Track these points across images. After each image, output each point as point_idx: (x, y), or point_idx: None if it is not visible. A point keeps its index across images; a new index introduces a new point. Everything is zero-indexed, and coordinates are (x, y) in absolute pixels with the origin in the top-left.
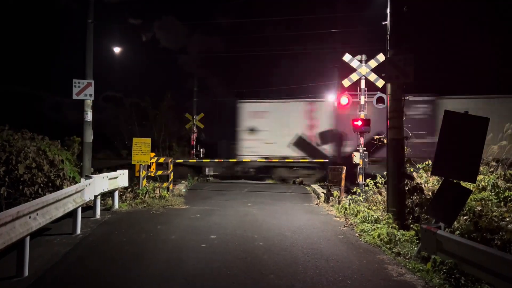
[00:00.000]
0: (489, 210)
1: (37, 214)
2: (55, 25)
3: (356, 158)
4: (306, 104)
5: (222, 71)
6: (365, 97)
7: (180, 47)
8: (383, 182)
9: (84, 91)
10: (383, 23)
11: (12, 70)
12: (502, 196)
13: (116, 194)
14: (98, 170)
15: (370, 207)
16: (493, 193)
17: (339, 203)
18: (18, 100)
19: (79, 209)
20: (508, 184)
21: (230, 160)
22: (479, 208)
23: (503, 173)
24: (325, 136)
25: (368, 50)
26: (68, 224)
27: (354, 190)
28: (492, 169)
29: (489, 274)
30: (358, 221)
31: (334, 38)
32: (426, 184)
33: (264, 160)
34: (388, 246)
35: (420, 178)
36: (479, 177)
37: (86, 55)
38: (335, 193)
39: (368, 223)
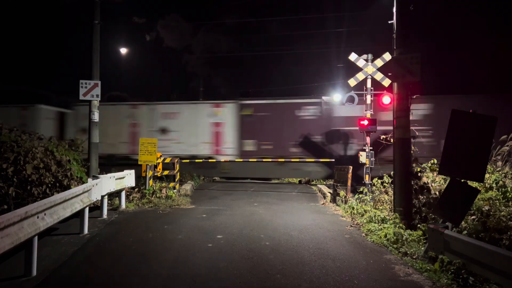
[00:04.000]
0: (497, 209)
1: (45, 214)
2: (59, 25)
3: (363, 158)
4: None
5: (227, 71)
6: (371, 96)
7: (186, 47)
8: (390, 181)
9: (91, 91)
10: (389, 22)
11: (15, 69)
12: (510, 196)
13: (123, 194)
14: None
15: (376, 207)
16: (500, 192)
17: (345, 202)
18: (23, 100)
19: (86, 209)
20: None
21: (236, 160)
22: (487, 207)
23: (510, 172)
24: None
25: (374, 50)
26: (76, 224)
27: (361, 189)
28: (498, 168)
29: (498, 274)
30: (365, 221)
31: (340, 38)
32: (433, 184)
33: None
34: (395, 246)
35: (427, 177)
36: (486, 176)
37: (92, 55)
38: (342, 193)
39: (375, 222)
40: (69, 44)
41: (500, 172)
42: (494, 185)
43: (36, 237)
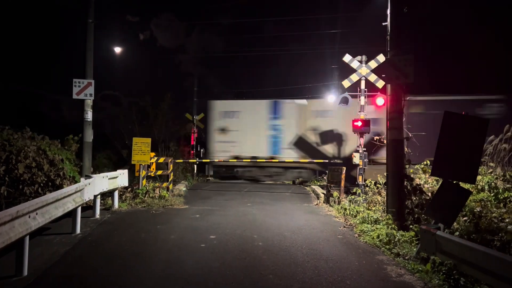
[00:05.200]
0: (488, 211)
1: (36, 214)
2: (54, 23)
3: (356, 159)
4: None
5: (222, 70)
6: (365, 98)
7: (180, 46)
8: (383, 182)
9: (84, 90)
10: (383, 23)
11: (10, 68)
12: (502, 197)
13: (116, 193)
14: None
15: (369, 208)
16: (491, 194)
17: (338, 203)
18: (17, 99)
19: (79, 209)
20: (508, 185)
21: (231, 160)
22: (478, 209)
23: (502, 173)
24: None
25: (368, 51)
26: (68, 224)
27: (354, 190)
28: (490, 170)
29: (489, 275)
30: (358, 222)
31: (335, 39)
32: (425, 185)
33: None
34: (387, 246)
35: (420, 178)
36: (478, 178)
37: (86, 54)
38: (335, 193)
39: (368, 223)
40: (64, 43)
41: (492, 174)
42: (486, 186)
43: (28, 237)
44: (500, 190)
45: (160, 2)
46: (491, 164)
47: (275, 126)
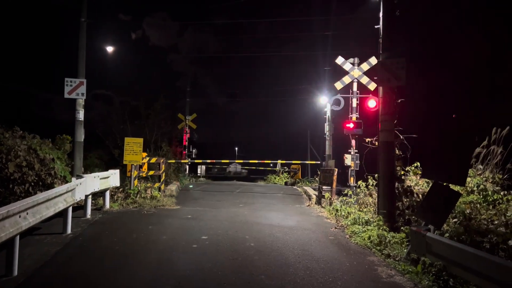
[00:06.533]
0: (478, 213)
1: (27, 213)
2: (46, 22)
3: (348, 160)
4: None
5: (215, 71)
6: (357, 100)
7: (174, 47)
8: (375, 184)
9: (76, 90)
10: (375, 26)
11: (2, 67)
12: (491, 199)
13: (107, 194)
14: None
15: (361, 209)
16: (481, 196)
17: (330, 204)
18: (8, 98)
19: (70, 209)
20: (497, 188)
21: (223, 161)
22: (468, 211)
23: (491, 176)
24: None
25: (361, 53)
26: (59, 224)
27: (346, 192)
28: (479, 172)
29: (477, 276)
30: (349, 223)
31: (327, 41)
32: (416, 187)
33: None
34: (378, 248)
35: (410, 180)
36: (467, 180)
37: (78, 53)
38: (327, 194)
39: (359, 225)
40: (55, 41)
41: (481, 176)
42: (475, 188)
43: (18, 237)
44: (490, 193)
45: (156, 2)
46: (480, 166)
47: None
